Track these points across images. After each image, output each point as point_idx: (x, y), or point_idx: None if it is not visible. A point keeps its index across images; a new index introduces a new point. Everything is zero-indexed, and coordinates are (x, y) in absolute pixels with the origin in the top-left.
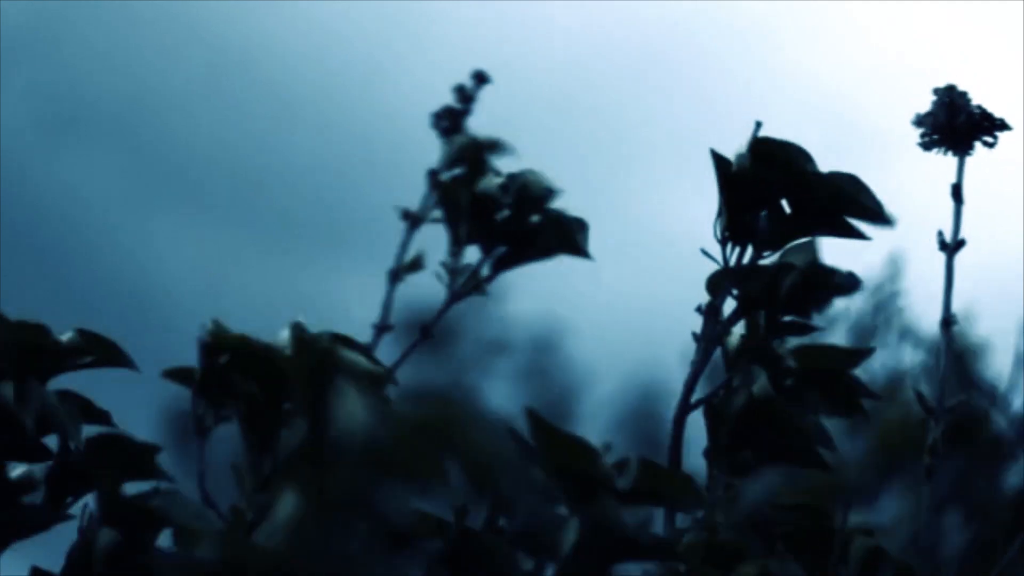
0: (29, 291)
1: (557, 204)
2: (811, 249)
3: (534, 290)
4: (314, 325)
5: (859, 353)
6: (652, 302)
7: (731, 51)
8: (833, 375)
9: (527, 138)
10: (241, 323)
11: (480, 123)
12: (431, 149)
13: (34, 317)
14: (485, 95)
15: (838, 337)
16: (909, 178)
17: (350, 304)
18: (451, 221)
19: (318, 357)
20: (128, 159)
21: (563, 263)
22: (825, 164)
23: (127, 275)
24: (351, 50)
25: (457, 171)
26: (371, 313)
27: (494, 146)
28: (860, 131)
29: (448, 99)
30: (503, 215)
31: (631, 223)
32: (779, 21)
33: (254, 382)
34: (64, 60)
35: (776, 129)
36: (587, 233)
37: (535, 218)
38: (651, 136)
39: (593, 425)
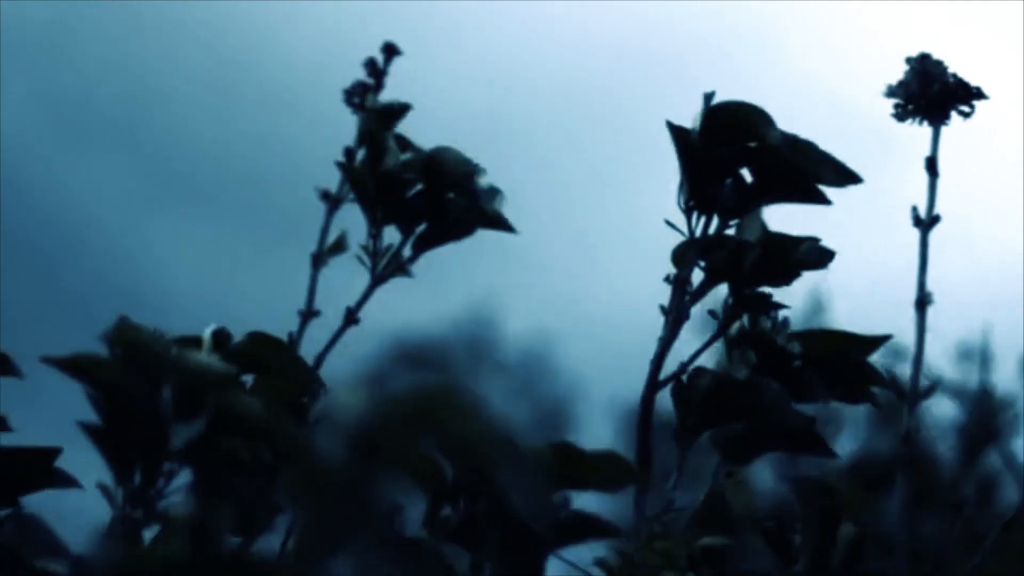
0: (31, 293)
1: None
2: (759, 219)
3: (536, 294)
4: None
5: (872, 340)
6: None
7: (737, 50)
8: (842, 361)
9: (538, 138)
10: (243, 324)
11: (491, 123)
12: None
13: (36, 319)
14: (500, 95)
15: None
16: (915, 178)
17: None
18: (364, 202)
19: (147, 360)
20: (130, 161)
21: (565, 264)
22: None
23: (128, 276)
24: (355, 51)
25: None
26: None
27: (395, 114)
28: (866, 132)
29: (461, 101)
30: (415, 193)
31: (642, 220)
32: (785, 22)
33: (99, 394)
34: (67, 64)
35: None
36: (502, 200)
37: (451, 195)
38: (655, 135)
39: (592, 430)
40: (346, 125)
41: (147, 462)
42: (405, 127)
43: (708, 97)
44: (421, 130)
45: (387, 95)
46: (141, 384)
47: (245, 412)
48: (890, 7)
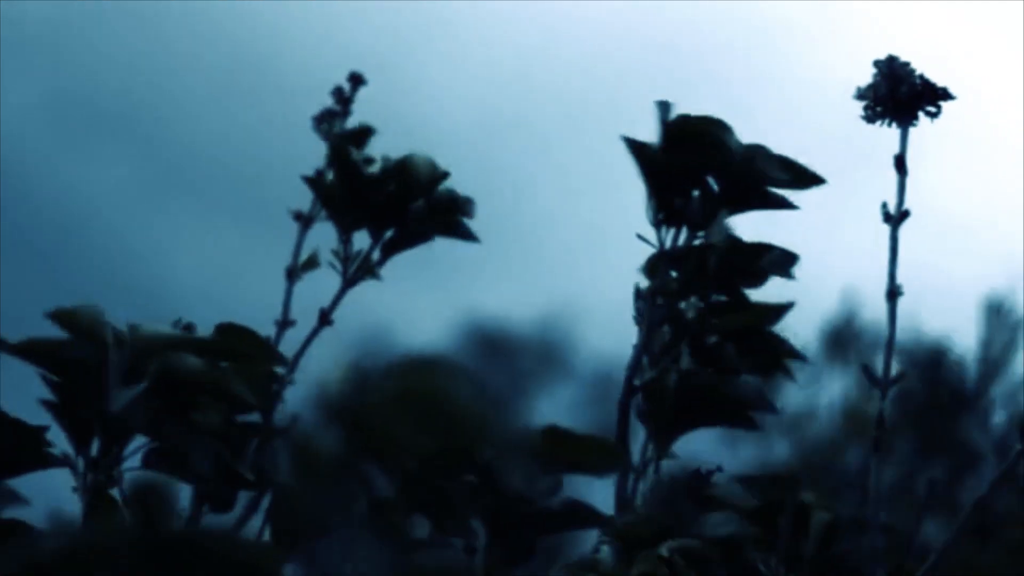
0: (37, 288)
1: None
2: (723, 226)
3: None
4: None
5: (778, 308)
6: None
7: (756, 49)
8: (753, 333)
9: (562, 131)
10: (244, 319)
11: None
12: (443, 146)
13: (38, 315)
14: (526, 92)
15: None
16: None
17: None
18: (334, 214)
19: (94, 336)
20: (136, 157)
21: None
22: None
23: (135, 272)
24: (363, 49)
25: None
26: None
27: (363, 134)
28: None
29: (470, 100)
30: (383, 199)
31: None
32: (802, 20)
33: (53, 373)
34: (75, 61)
35: (796, 126)
36: (473, 209)
37: (419, 201)
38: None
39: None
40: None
41: (102, 431)
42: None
43: (664, 108)
44: (425, 129)
45: (399, 91)
46: (88, 356)
47: (189, 370)
48: (907, 8)
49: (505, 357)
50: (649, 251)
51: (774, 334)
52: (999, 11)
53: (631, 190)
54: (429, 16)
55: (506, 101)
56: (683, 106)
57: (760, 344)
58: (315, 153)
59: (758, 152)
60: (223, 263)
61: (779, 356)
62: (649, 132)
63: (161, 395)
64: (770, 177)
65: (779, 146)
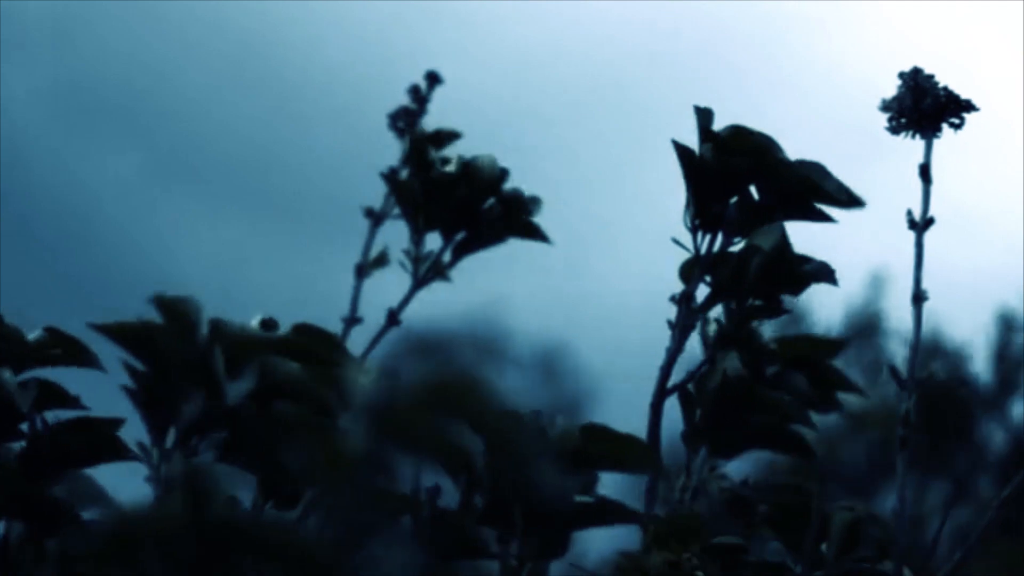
0: (41, 282)
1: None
2: (777, 232)
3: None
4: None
5: (836, 343)
6: None
7: (767, 44)
8: (815, 365)
9: (569, 130)
10: (248, 312)
11: (525, 117)
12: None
13: (46, 308)
14: (543, 92)
15: None
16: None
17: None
18: (408, 213)
19: (191, 327)
20: (140, 147)
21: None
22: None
23: (138, 261)
24: (370, 45)
25: (410, 166)
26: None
27: (443, 138)
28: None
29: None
30: (456, 201)
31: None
32: (819, 17)
33: (140, 359)
34: (80, 54)
35: (811, 121)
36: (539, 208)
37: (489, 201)
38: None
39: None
40: (365, 120)
41: (188, 423)
42: None
43: (704, 113)
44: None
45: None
46: (187, 348)
47: (287, 375)
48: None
49: (439, 353)
50: (638, 244)
51: (831, 366)
52: (1010, 10)
53: (629, 187)
54: (438, 10)
55: (512, 95)
56: (689, 103)
57: (817, 375)
58: (316, 147)
59: (815, 168)
60: (226, 253)
61: (835, 389)
62: (654, 125)
63: (258, 396)
64: (818, 192)
65: (789, 138)
